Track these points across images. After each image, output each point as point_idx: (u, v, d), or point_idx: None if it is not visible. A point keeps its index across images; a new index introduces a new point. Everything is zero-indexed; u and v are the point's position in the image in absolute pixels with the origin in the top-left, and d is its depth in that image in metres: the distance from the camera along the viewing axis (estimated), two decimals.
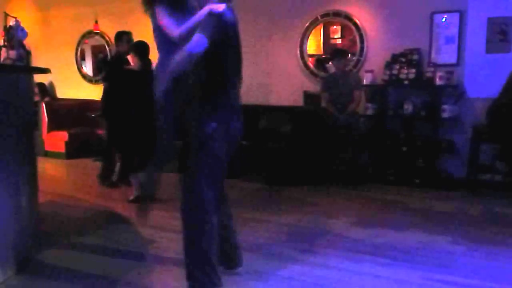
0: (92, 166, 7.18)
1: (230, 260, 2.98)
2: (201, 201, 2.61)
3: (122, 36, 5.42)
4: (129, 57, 5.31)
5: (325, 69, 6.66)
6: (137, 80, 4.86)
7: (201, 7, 2.69)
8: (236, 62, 2.73)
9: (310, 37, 6.70)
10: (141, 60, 4.90)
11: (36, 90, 8.02)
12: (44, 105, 7.84)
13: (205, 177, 2.62)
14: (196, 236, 2.61)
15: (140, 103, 4.79)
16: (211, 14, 2.54)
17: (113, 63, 5.63)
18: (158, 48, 3.29)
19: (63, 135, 7.68)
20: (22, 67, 3.74)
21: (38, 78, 7.99)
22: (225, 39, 2.56)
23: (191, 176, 2.66)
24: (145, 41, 4.97)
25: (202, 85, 2.63)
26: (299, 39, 6.69)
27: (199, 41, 2.45)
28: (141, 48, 4.95)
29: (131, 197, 4.89)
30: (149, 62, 4.96)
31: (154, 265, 3.31)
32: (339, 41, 6.68)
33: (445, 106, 5.58)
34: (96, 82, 8.54)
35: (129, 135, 4.96)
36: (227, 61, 2.64)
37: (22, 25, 4.00)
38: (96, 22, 8.13)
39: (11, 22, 3.95)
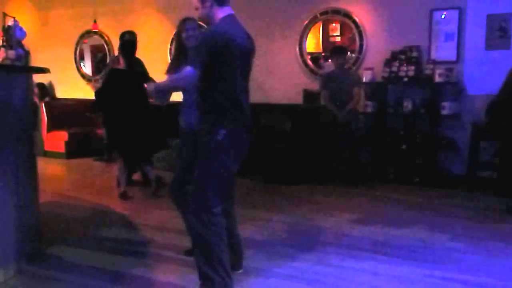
0: (92, 165, 7.20)
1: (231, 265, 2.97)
2: (209, 208, 2.57)
3: (124, 36, 5.42)
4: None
5: (320, 67, 6.66)
6: (122, 79, 4.86)
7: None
8: (244, 75, 2.66)
9: (309, 35, 6.70)
10: (126, 59, 4.89)
11: (36, 90, 8.02)
12: (43, 105, 7.84)
13: (215, 189, 2.58)
14: (206, 238, 2.58)
15: (127, 101, 4.82)
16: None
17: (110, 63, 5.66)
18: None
19: (63, 135, 7.68)
20: (21, 67, 3.73)
21: (37, 78, 7.99)
22: (221, 55, 2.48)
23: (200, 186, 2.60)
24: (132, 40, 4.98)
25: (208, 96, 2.59)
26: (298, 37, 6.69)
27: (190, 77, 2.47)
28: (126, 48, 4.93)
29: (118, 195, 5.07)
30: (134, 61, 4.95)
31: (157, 262, 3.32)
32: (338, 39, 6.67)
33: (444, 103, 5.58)
34: (96, 81, 8.53)
35: (122, 133, 4.99)
36: (231, 75, 2.56)
37: (20, 25, 3.99)
38: (95, 21, 8.11)
39: (10, 22, 3.94)
